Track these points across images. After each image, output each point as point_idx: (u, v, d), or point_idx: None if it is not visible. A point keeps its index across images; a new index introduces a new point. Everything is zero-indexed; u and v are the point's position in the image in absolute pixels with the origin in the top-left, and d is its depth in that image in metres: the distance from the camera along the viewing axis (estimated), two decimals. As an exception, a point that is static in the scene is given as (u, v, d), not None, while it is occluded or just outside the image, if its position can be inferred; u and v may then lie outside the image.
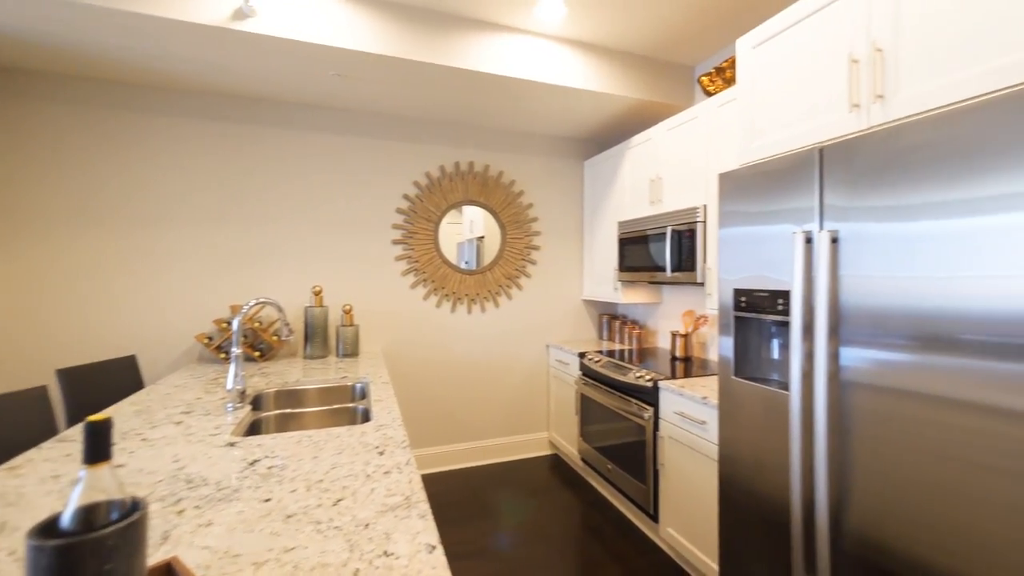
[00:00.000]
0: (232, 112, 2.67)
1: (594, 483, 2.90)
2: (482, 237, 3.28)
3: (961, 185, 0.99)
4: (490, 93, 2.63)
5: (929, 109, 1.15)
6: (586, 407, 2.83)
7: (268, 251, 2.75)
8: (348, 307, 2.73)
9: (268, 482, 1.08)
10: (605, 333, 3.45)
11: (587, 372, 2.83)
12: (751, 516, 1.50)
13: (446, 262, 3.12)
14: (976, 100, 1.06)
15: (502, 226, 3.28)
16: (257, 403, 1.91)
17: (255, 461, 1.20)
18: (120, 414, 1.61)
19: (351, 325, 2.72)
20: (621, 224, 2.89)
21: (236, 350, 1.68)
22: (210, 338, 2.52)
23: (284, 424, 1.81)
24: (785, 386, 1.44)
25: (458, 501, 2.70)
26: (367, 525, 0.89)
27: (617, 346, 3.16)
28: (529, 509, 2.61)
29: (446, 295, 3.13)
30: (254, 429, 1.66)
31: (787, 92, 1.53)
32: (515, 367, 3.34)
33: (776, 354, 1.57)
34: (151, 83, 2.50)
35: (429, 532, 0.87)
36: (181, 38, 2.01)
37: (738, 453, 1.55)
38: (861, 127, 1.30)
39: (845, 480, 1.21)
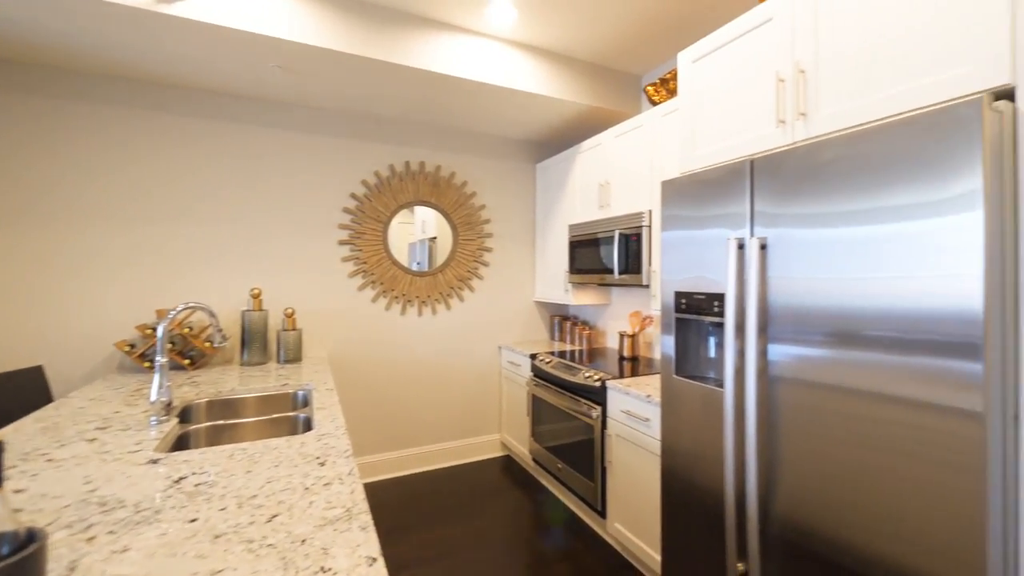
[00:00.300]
0: (161, 101, 2.48)
1: (545, 482, 2.93)
2: (434, 238, 3.24)
3: (867, 197, 1.08)
4: (441, 93, 2.60)
5: (843, 128, 1.25)
6: (537, 408, 2.86)
7: (201, 251, 2.57)
8: (290, 310, 2.60)
9: (195, 501, 1.01)
10: (557, 334, 3.50)
11: (538, 373, 2.86)
12: (690, 507, 1.57)
13: (396, 263, 3.06)
14: (879, 122, 1.17)
15: (454, 227, 3.25)
16: (186, 415, 1.78)
17: (181, 479, 1.12)
18: (22, 432, 1.45)
19: (293, 329, 2.59)
20: (572, 227, 2.95)
21: (161, 358, 1.55)
22: (132, 345, 2.32)
23: (217, 437, 1.69)
24: (721, 383, 1.52)
25: (408, 508, 2.65)
26: (304, 541, 0.85)
27: (568, 347, 3.22)
28: (480, 512, 2.60)
29: (396, 297, 3.06)
30: (182, 444, 1.55)
31: (723, 106, 1.62)
32: (467, 369, 3.32)
33: (713, 353, 1.66)
34: (73, 67, 2.27)
35: (370, 544, 0.85)
36: (104, 19, 1.84)
37: (679, 447, 1.62)
38: (786, 142, 1.40)
39: (773, 469, 1.30)
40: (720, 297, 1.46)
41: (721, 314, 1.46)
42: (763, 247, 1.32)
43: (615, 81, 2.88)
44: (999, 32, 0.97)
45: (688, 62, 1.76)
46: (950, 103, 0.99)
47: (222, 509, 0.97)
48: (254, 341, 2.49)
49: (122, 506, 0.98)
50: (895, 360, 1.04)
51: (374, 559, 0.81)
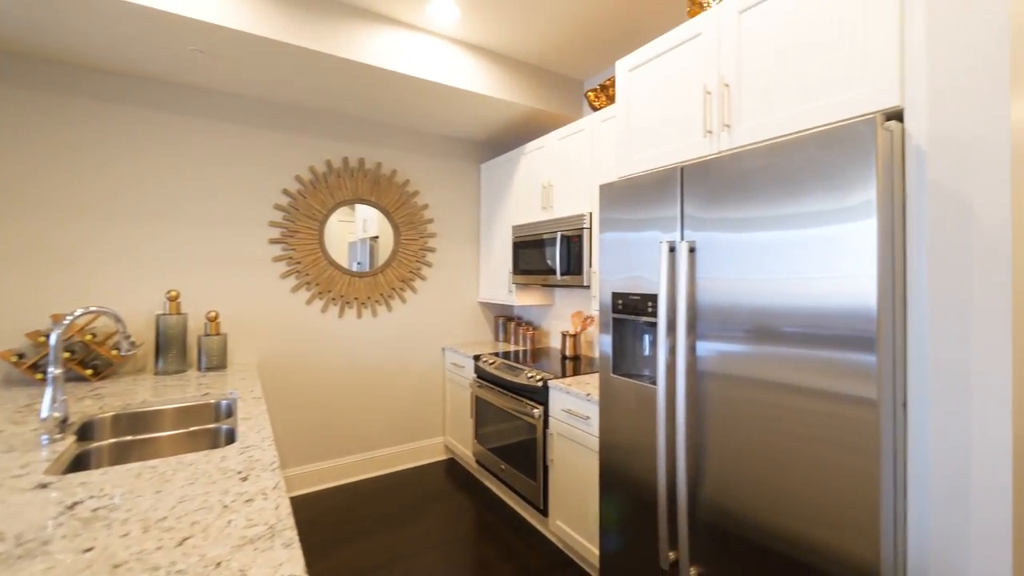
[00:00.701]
0: (61, 81, 2.21)
1: (489, 484, 2.92)
2: (376, 237, 3.13)
3: (782, 204, 1.17)
4: (381, 88, 2.52)
5: (761, 140, 1.34)
6: (481, 409, 2.85)
7: (109, 249, 2.32)
8: (213, 314, 2.42)
9: (92, 528, 0.90)
10: (501, 335, 3.50)
11: (482, 374, 2.84)
12: (626, 500, 1.62)
13: (333, 264, 2.92)
14: (791, 136, 1.26)
15: (395, 227, 3.16)
16: (86, 432, 1.60)
17: (76, 503, 1.00)
18: None
19: (217, 334, 2.41)
20: (516, 228, 2.96)
21: (54, 369, 1.38)
22: (21, 355, 2.05)
23: (124, 455, 1.53)
24: (655, 380, 1.58)
25: (349, 517, 2.54)
26: (219, 564, 0.78)
27: (512, 347, 3.23)
28: (423, 517, 2.54)
29: (333, 299, 2.93)
30: (80, 464, 1.38)
31: (656, 114, 1.69)
32: (409, 372, 3.24)
33: (647, 351, 1.73)
34: (-68, 33, 1.97)
35: (294, 562, 0.80)
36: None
37: (615, 443, 1.67)
38: (713, 151, 1.48)
39: (701, 459, 1.37)
40: (654, 298, 1.52)
41: (655, 314, 1.52)
42: (692, 250, 1.39)
43: (558, 85, 2.93)
44: (890, 60, 1.09)
45: (625, 71, 1.82)
46: (850, 121, 1.08)
47: (124, 535, 0.87)
48: (171, 347, 2.28)
49: (0, 539, 0.86)
50: (805, 353, 1.13)
51: (298, 578, 0.76)
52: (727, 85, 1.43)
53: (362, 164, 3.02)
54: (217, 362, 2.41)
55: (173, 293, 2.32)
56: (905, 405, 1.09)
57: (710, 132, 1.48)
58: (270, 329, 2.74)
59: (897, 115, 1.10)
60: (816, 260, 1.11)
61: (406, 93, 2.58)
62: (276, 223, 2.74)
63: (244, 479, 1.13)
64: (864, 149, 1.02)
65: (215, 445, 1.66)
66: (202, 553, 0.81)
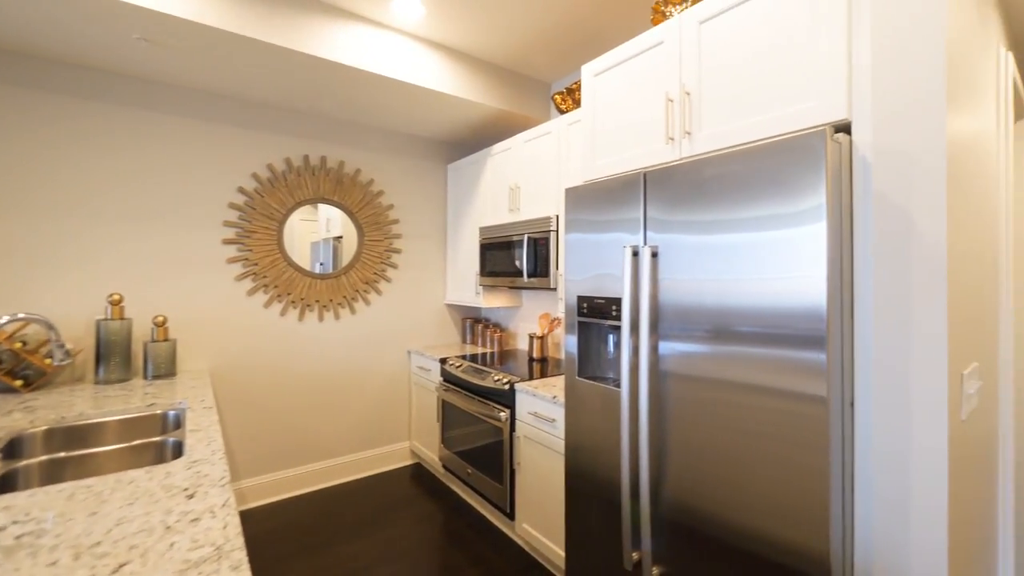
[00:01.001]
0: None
1: (456, 489, 2.89)
2: (340, 237, 3.04)
3: (740, 208, 1.20)
4: (344, 85, 2.45)
5: (720, 148, 1.38)
6: (447, 413, 2.81)
7: (42, 249, 2.15)
8: (161, 318, 2.28)
9: (14, 557, 0.83)
10: (469, 337, 3.47)
11: (448, 378, 2.81)
12: (591, 502, 1.63)
13: (293, 265, 2.82)
14: (747, 145, 1.30)
15: (359, 227, 3.08)
16: (14, 449, 1.47)
17: (-4, 531, 0.91)
18: None
19: (165, 340, 2.27)
20: (483, 230, 2.94)
21: (-25, 382, 1.26)
22: (-59, 364, 1.87)
23: (58, 473, 1.42)
24: (619, 383, 1.60)
25: (310, 527, 2.45)
26: (158, 593, 0.73)
27: (480, 349, 3.21)
28: (388, 524, 2.49)
29: (293, 301, 2.82)
30: (6, 486, 1.27)
31: (621, 119, 1.71)
32: (374, 376, 3.17)
33: (612, 353, 1.74)
34: None
35: (243, 587, 0.75)
36: None
37: (581, 444, 1.68)
38: (675, 157, 1.51)
39: (663, 458, 1.39)
40: (618, 301, 1.54)
41: (619, 317, 1.54)
42: (655, 254, 1.41)
43: (526, 87, 2.93)
44: (839, 76, 1.13)
45: (591, 75, 1.84)
46: (802, 133, 1.13)
47: (52, 564, 0.81)
48: (113, 355, 2.14)
49: (-99, 576, 0.77)
50: (761, 352, 1.16)
51: (246, 604, 0.72)
52: (688, 93, 1.46)
53: (324, 162, 2.93)
54: (165, 370, 2.27)
55: (116, 297, 2.18)
56: (852, 404, 1.14)
57: (672, 139, 1.51)
58: (225, 334, 2.62)
59: (845, 128, 1.16)
60: (771, 262, 1.14)
61: (370, 91, 2.52)
62: (231, 223, 2.62)
63: (190, 496, 1.06)
64: (815, 159, 1.06)
65: (161, 460, 1.56)
66: (140, 581, 0.76)
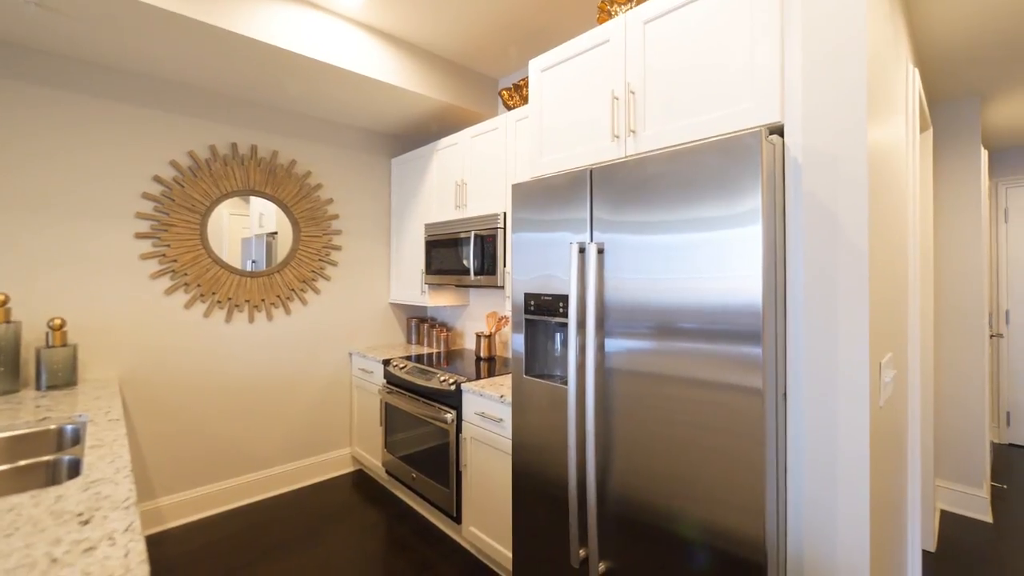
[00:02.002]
0: None
1: (400, 495, 2.78)
2: (275, 233, 2.84)
3: (682, 208, 1.23)
4: (277, 70, 2.28)
5: (663, 146, 1.41)
6: (391, 416, 2.70)
7: (-99, 240, 1.83)
8: (58, 321, 2.01)
9: None
10: (414, 337, 3.37)
11: (392, 380, 2.70)
12: (538, 500, 1.62)
13: (218, 262, 2.59)
14: (690, 144, 1.34)
15: (295, 222, 2.90)
16: None
17: None
18: None
19: (63, 345, 2.01)
20: (428, 227, 2.86)
21: None
22: None
23: (-86, 502, 1.19)
24: (566, 380, 1.59)
25: (236, 545, 2.26)
26: (33, 642, 0.62)
27: (426, 350, 3.11)
28: (328, 536, 2.34)
29: (219, 301, 2.60)
30: None
31: (568, 116, 1.71)
32: (312, 380, 2.99)
33: (559, 351, 1.74)
34: None
35: (144, 626, 0.65)
36: None
37: (528, 443, 1.66)
38: (620, 155, 1.52)
39: (609, 453, 1.40)
40: (564, 298, 1.53)
41: (566, 314, 1.53)
42: (600, 251, 1.41)
43: (473, 82, 2.87)
44: (772, 80, 1.18)
45: (538, 71, 1.82)
46: (739, 133, 1.16)
47: None
48: (-4, 363, 1.86)
49: None
50: (702, 348, 1.19)
51: (147, 645, 0.62)
52: (633, 92, 1.48)
53: (254, 152, 2.72)
54: (64, 379, 2.01)
55: (0, 297, 1.89)
56: (785, 395, 1.19)
57: (617, 136, 1.52)
58: (138, 338, 2.36)
59: (779, 130, 1.21)
60: (710, 261, 1.17)
61: (306, 78, 2.36)
62: (145, 215, 2.36)
63: (85, 523, 0.93)
64: (752, 158, 1.09)
65: (54, 482, 1.36)
66: (9, 630, 0.64)
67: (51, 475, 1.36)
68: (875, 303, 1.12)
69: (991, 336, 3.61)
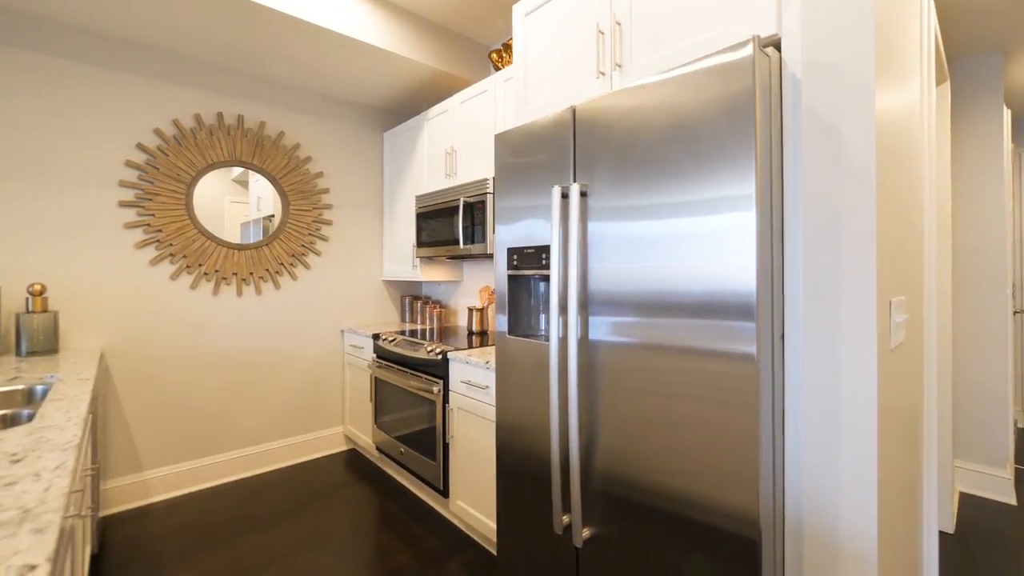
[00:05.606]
0: None
1: (391, 472, 2.72)
2: (271, 216, 2.80)
3: (668, 145, 1.12)
4: (265, 32, 2.20)
5: (652, 78, 1.30)
6: (380, 391, 2.63)
7: None
8: (38, 287, 1.97)
9: None
10: (408, 315, 3.30)
11: (381, 353, 2.63)
12: (522, 466, 1.53)
13: (204, 233, 2.54)
14: (677, 70, 1.23)
15: (283, 195, 2.84)
16: None
17: None
18: None
19: (44, 311, 1.97)
20: (419, 198, 2.78)
21: None
22: None
23: None
24: (548, 337, 1.50)
25: (231, 518, 2.21)
26: (-94, 563, 0.55)
27: (419, 327, 3.04)
28: (318, 511, 2.28)
29: (206, 273, 2.55)
30: None
31: (553, 59, 1.61)
32: (303, 357, 2.93)
33: (543, 310, 1.64)
34: None
35: (37, 550, 0.58)
36: None
37: (510, 406, 1.57)
38: (605, 91, 1.42)
39: (593, 416, 1.30)
40: (547, 249, 1.44)
41: (548, 266, 1.44)
42: (584, 194, 1.31)
43: (464, 48, 2.78)
44: (767, -12, 1.07)
45: (522, 15, 1.72)
46: (730, 48, 1.05)
47: None
48: (-29, 326, 1.82)
49: None
50: (696, 322, 1.08)
51: (33, 567, 0.55)
52: (619, 24, 1.38)
53: (241, 122, 2.66)
54: (44, 346, 1.97)
55: (-25, 259, 1.85)
56: (783, 337, 1.09)
57: (603, 73, 1.42)
58: (123, 308, 2.31)
59: (776, 44, 1.10)
60: (700, 190, 1.07)
61: (292, 40, 2.29)
62: (129, 183, 2.32)
63: (16, 461, 0.86)
64: (742, 73, 0.99)
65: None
66: None
67: (4, 426, 1.31)
68: (883, 233, 1.01)
69: (1015, 313, 3.43)
